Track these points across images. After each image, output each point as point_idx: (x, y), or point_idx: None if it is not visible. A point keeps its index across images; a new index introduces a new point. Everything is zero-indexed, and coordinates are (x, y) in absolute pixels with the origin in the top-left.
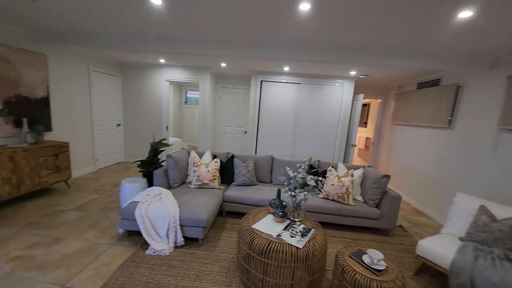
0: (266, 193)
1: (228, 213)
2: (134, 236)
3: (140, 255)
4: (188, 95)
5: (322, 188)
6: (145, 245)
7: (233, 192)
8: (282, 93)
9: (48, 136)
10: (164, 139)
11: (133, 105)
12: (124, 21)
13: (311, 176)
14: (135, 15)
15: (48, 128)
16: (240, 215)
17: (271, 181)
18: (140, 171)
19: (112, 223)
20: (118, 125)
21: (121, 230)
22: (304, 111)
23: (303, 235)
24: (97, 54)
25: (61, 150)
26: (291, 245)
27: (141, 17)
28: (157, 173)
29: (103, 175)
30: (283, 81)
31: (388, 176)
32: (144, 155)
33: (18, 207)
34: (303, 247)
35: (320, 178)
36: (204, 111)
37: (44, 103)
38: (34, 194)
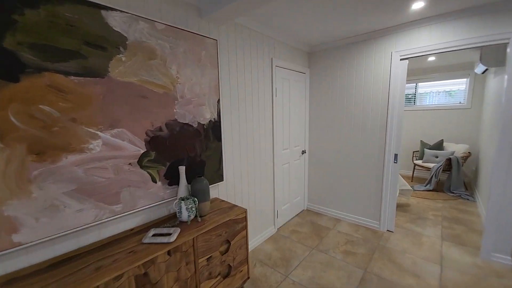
0: None
1: None
2: None
3: None
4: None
5: None
6: None
7: None
8: None
9: (215, 191)
10: None
11: (322, 117)
12: None
13: None
14: None
15: (219, 176)
16: None
17: None
18: None
19: None
20: (303, 152)
21: None
22: None
23: None
24: (283, 34)
25: (236, 228)
26: None
27: None
28: None
29: (291, 250)
30: None
31: None
32: (340, 204)
33: None
34: None
35: None
36: None
37: (213, 132)
38: None
